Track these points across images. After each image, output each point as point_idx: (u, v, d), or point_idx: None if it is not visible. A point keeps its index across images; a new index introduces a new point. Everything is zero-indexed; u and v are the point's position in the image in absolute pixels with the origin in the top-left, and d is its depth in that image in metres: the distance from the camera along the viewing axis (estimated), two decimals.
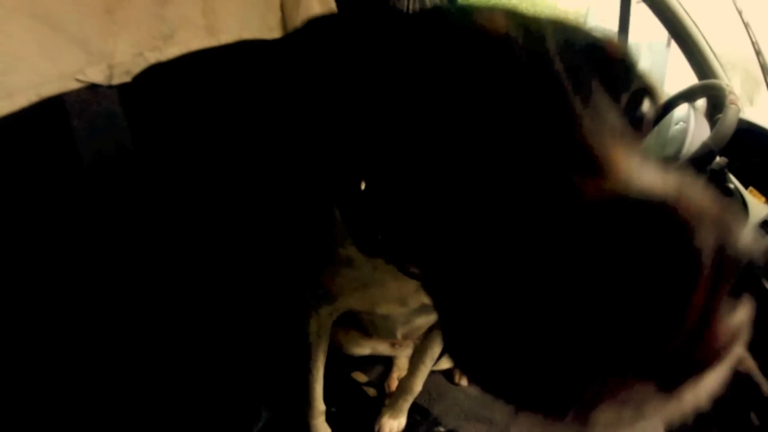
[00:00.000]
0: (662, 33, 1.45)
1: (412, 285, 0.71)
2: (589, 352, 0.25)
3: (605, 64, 0.40)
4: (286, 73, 0.54)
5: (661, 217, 0.24)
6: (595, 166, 0.29)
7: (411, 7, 1.17)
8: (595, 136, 0.32)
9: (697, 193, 0.25)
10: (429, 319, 0.92)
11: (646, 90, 0.45)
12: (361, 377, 1.25)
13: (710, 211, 0.24)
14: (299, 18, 1.08)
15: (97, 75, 0.79)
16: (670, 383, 0.26)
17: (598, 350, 0.25)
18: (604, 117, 0.35)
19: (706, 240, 0.23)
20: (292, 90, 0.53)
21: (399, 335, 1.01)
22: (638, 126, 0.45)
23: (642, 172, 0.27)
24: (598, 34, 0.42)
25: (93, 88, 0.79)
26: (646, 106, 0.46)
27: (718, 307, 0.24)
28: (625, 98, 0.43)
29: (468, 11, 0.41)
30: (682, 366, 0.25)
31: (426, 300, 0.75)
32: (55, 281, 0.80)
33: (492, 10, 0.40)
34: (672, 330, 0.24)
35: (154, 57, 0.85)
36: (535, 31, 0.39)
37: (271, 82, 0.57)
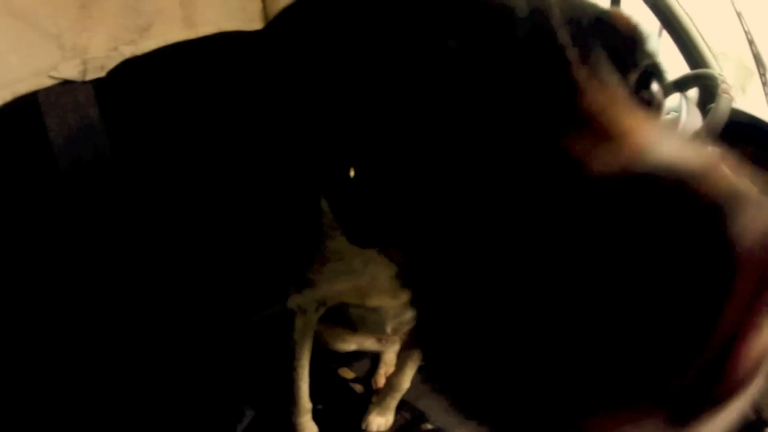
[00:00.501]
0: (653, 23, 1.43)
1: None
2: (590, 373, 0.20)
3: (613, 39, 0.36)
4: (267, 64, 0.52)
5: (685, 196, 0.18)
6: (601, 135, 0.24)
7: None
8: (602, 104, 0.27)
9: (730, 169, 0.20)
10: None
11: (654, 68, 0.40)
12: (347, 373, 1.24)
13: (749, 191, 0.19)
14: (281, 7, 1.06)
15: (71, 71, 0.78)
16: (683, 416, 0.20)
17: (600, 371, 0.20)
18: (613, 90, 0.31)
19: (745, 230, 0.18)
20: (275, 79, 0.51)
21: (388, 329, 0.99)
22: (648, 108, 0.40)
23: (660, 143, 0.22)
24: (606, 8, 0.39)
25: (67, 84, 0.78)
26: (655, 87, 0.41)
27: (754, 322, 0.19)
28: (634, 76, 0.38)
29: None
30: (700, 395, 0.20)
31: None
32: (41, 282, 0.79)
33: None
34: (695, 349, 0.18)
35: (129, 51, 0.83)
36: (540, 4, 0.35)
37: (252, 72, 0.55)
